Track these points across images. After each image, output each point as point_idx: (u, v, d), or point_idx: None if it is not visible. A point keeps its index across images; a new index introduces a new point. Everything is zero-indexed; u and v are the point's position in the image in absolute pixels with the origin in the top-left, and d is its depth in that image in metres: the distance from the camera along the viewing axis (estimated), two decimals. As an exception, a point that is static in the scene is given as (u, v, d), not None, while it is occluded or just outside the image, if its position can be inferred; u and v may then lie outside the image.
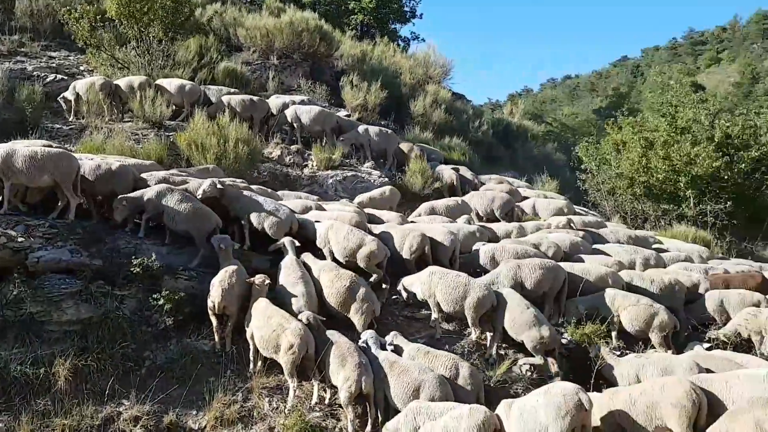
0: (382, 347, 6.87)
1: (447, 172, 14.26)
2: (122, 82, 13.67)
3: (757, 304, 8.36)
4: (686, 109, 17.41)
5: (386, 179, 13.34)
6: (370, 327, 7.36)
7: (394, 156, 14.59)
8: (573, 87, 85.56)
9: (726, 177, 16.23)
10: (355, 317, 7.45)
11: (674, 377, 5.92)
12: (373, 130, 14.55)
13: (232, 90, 14.68)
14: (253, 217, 8.67)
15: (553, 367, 7.28)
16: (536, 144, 26.57)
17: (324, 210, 9.72)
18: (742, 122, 17.19)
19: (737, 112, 18.33)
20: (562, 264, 8.78)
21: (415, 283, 8.13)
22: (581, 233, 10.74)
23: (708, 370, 6.55)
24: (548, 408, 5.33)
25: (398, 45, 29.00)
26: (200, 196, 8.58)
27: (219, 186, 8.74)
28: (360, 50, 20.98)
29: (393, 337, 7.12)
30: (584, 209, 15.65)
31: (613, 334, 8.19)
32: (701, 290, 9.01)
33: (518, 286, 8.20)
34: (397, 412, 6.14)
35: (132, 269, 7.51)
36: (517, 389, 7.11)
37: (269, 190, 10.33)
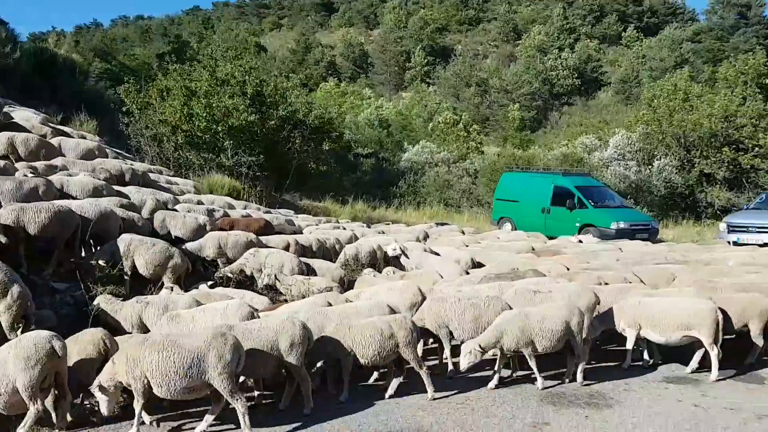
0: None
1: None
2: None
3: (251, 244, 9.40)
4: (226, 64, 18.43)
5: None
6: None
7: None
8: (146, 28, 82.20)
9: (259, 131, 17.86)
10: None
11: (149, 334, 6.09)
12: None
13: None
14: None
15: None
16: (84, 80, 24.53)
17: None
18: (274, 83, 19.11)
19: (274, 73, 20.34)
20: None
21: None
22: (102, 177, 10.35)
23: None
24: (17, 359, 4.94)
25: None
26: None
27: None
28: None
29: None
30: (123, 153, 15.20)
31: (126, 278, 8.17)
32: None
33: (21, 230, 7.44)
34: None
35: None
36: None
37: None
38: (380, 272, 9.76)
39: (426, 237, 13.57)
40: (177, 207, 10.48)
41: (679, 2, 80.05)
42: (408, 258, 10.53)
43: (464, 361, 6.05)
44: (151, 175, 12.67)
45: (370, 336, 5.77)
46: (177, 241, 9.28)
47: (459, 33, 77.51)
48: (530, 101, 56.64)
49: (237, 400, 5.00)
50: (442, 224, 17.68)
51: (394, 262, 10.64)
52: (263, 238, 9.86)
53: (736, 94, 28.42)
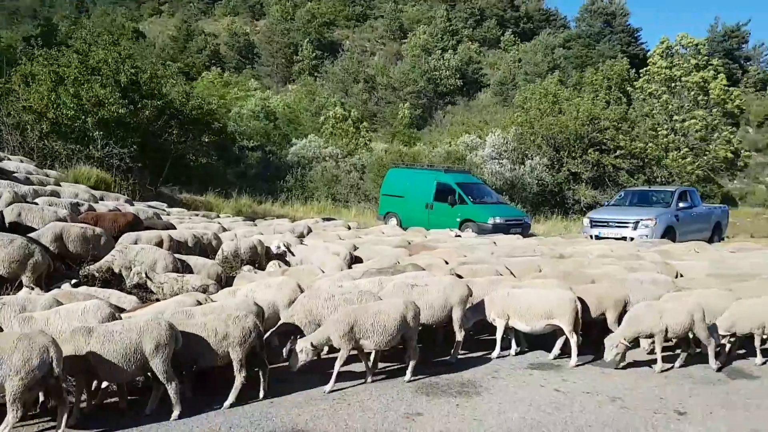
0: None
1: None
2: None
3: (97, 239, 8.85)
4: (99, 50, 17.30)
5: None
6: None
7: None
8: (13, 10, 75.39)
9: (132, 122, 16.90)
10: None
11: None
12: None
13: None
14: None
15: None
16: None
17: None
18: (151, 71, 18.17)
19: (152, 59, 19.34)
20: None
21: None
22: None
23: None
24: None
25: None
26: None
27: None
28: None
29: None
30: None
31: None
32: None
33: None
34: None
35: None
36: None
37: None
38: (262, 269, 9.57)
39: (309, 231, 13.50)
40: (38, 200, 9.69)
41: (552, 9, 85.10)
42: (294, 255, 10.42)
43: (297, 360, 5.93)
44: (9, 165, 11.64)
45: (206, 336, 5.53)
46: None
47: (347, 28, 77.56)
48: (416, 99, 57.88)
49: (13, 410, 4.54)
50: (329, 219, 17.71)
51: (280, 258, 10.49)
52: (133, 234, 9.34)
53: (600, 98, 30.65)
